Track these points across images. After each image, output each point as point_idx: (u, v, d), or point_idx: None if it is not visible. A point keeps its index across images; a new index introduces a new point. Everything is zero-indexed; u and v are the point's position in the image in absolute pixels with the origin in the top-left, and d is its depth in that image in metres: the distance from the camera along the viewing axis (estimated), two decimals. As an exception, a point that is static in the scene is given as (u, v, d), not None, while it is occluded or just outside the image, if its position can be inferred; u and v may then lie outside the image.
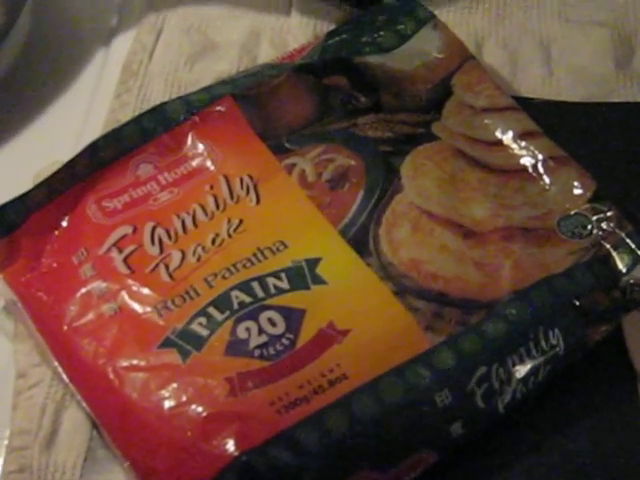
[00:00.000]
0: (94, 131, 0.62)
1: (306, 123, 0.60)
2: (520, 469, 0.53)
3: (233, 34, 0.72)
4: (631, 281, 0.54)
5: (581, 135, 0.65)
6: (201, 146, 0.59)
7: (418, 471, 0.51)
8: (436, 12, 0.70)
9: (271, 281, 0.53)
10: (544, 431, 0.54)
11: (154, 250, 0.55)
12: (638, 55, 0.71)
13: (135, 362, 0.52)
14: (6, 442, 0.54)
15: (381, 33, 0.65)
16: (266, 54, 0.70)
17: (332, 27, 0.68)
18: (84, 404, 0.53)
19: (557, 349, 0.52)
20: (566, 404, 0.55)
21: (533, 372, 0.52)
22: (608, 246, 0.56)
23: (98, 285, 0.54)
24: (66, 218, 0.57)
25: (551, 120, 0.65)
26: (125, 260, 0.55)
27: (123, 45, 0.72)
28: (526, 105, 0.65)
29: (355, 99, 0.61)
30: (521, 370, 0.52)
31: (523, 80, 0.70)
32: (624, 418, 0.55)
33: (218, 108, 0.60)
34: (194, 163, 0.58)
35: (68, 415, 0.54)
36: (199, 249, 0.55)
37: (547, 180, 0.59)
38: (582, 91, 0.69)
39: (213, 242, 0.55)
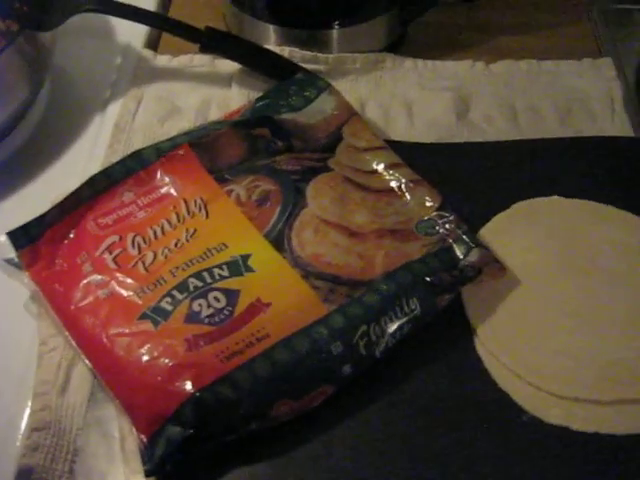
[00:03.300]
0: (94, 171, 0.61)
1: (240, 161, 0.60)
2: (383, 402, 0.53)
3: (191, 101, 0.72)
4: (466, 264, 0.55)
5: (433, 165, 0.65)
6: (167, 179, 0.59)
7: (321, 400, 0.51)
8: (332, 82, 0.70)
9: (216, 271, 0.54)
10: (404, 372, 0.55)
11: (134, 252, 0.55)
12: (472, 111, 0.72)
13: (121, 330, 0.52)
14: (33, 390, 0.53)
15: (293, 98, 0.66)
16: (214, 114, 0.70)
17: (260, 94, 0.67)
18: (87, 362, 0.52)
19: (415, 312, 0.53)
20: (420, 353, 0.55)
21: (399, 328, 0.53)
22: (450, 240, 0.57)
23: (95, 277, 0.54)
24: (73, 231, 0.57)
25: (412, 155, 0.65)
26: (114, 259, 0.55)
27: (114, 110, 0.72)
28: (395, 146, 0.66)
29: (274, 144, 0.62)
30: (391, 327, 0.52)
31: (393, 129, 0.70)
32: (463, 363, 0.55)
33: (179, 152, 0.60)
34: (162, 191, 0.59)
35: (76, 370, 0.54)
36: (166, 250, 0.55)
37: (408, 196, 0.60)
38: (433, 135, 0.70)
39: (176, 245, 0.55)
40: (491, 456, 0.51)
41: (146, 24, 0.73)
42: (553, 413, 0.53)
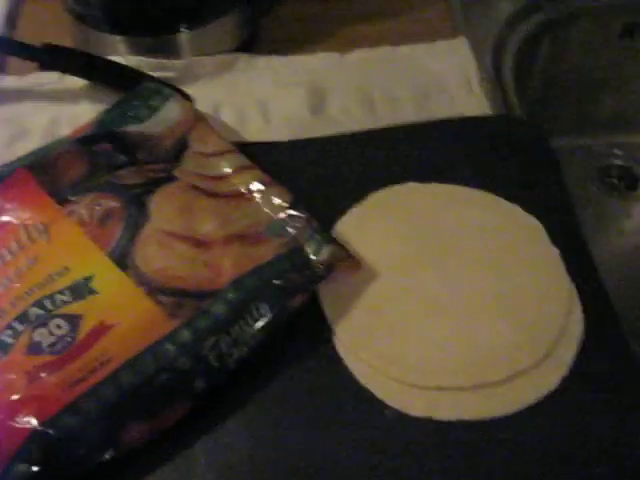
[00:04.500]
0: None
1: (81, 179, 0.58)
2: (244, 410, 0.53)
3: (40, 121, 0.70)
4: (317, 262, 0.54)
5: (288, 163, 0.65)
6: (6, 206, 0.57)
7: (176, 418, 0.50)
8: (185, 88, 0.69)
9: (58, 297, 0.52)
10: (263, 378, 0.53)
11: (-28, 285, 0.53)
12: (327, 103, 0.72)
13: (-38, 369, 0.49)
14: None
15: (139, 108, 0.64)
16: (64, 132, 0.67)
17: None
18: None
19: (266, 318, 0.52)
20: (279, 356, 0.54)
21: (252, 336, 0.52)
22: (302, 240, 0.56)
23: None
24: None
25: (268, 155, 0.65)
26: (-47, 295, 0.52)
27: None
28: (250, 148, 0.65)
29: (116, 158, 0.60)
30: (242, 336, 0.51)
31: (248, 130, 0.69)
32: (323, 362, 0.54)
33: (17, 176, 0.58)
34: (1, 219, 0.56)
35: None
36: (6, 280, 0.53)
37: (258, 199, 0.59)
38: (289, 133, 0.68)
39: (16, 274, 0.53)
40: (355, 455, 0.50)
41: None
42: (416, 405, 0.52)
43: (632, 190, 0.96)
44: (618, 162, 0.98)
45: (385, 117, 0.71)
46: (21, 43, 0.67)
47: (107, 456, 0.48)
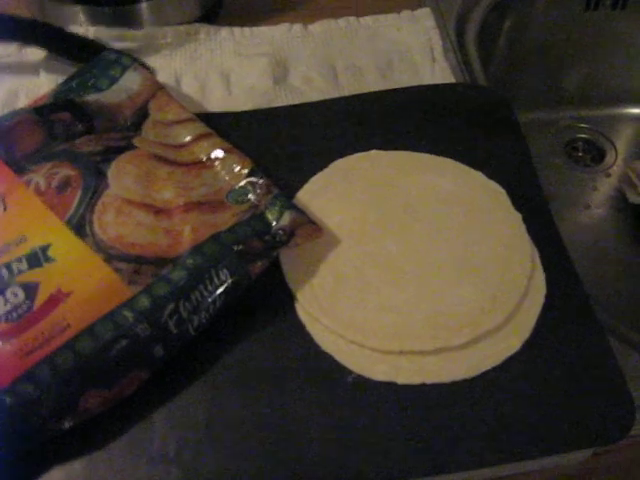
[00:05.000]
0: None
1: (38, 148, 0.57)
2: (205, 378, 0.52)
3: (-3, 93, 0.68)
4: (278, 228, 0.54)
5: (251, 132, 0.64)
6: (-39, 175, 0.55)
7: (135, 386, 0.49)
8: (146, 59, 0.68)
9: (15, 265, 0.51)
10: (225, 345, 0.53)
11: None
12: (290, 74, 0.71)
13: None
14: None
15: (98, 78, 0.63)
16: (23, 104, 0.67)
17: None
18: None
19: (227, 284, 0.51)
20: (241, 323, 0.53)
21: (212, 302, 0.51)
22: (262, 206, 0.55)
23: None
24: None
25: (230, 125, 0.64)
26: None
27: None
28: (212, 117, 0.64)
29: (74, 127, 0.59)
30: (203, 302, 0.51)
31: (210, 100, 0.68)
32: (285, 329, 0.54)
33: (-28, 145, 0.56)
34: (-42, 189, 0.55)
35: None
36: (-38, 251, 0.52)
37: (218, 166, 0.58)
38: (252, 103, 0.68)
39: (-29, 244, 0.52)
40: (319, 421, 0.50)
41: None
42: (379, 369, 0.52)
43: (598, 163, 0.96)
44: (584, 135, 0.98)
45: (348, 87, 0.70)
46: (-23, 14, 0.66)
47: (66, 424, 0.47)
